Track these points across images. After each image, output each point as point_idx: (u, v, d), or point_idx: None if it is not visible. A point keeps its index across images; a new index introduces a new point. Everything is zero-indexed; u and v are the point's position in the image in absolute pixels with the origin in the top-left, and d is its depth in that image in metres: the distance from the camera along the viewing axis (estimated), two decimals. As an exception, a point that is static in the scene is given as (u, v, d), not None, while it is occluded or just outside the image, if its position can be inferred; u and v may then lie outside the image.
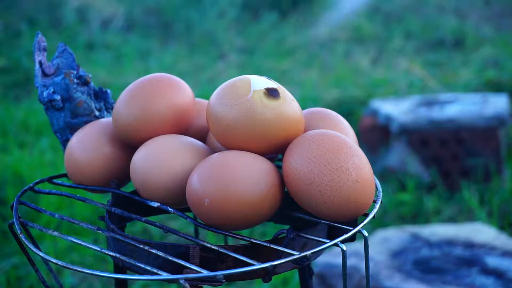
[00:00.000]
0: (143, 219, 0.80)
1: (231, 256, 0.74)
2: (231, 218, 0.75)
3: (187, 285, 0.69)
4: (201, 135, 0.90)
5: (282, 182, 0.77)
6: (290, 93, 0.81)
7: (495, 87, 3.24)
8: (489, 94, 2.79)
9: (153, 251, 0.74)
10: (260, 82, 0.80)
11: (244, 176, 0.75)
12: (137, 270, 0.77)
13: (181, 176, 0.79)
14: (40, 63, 0.93)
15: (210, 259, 0.75)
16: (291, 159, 0.76)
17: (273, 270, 0.73)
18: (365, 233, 0.76)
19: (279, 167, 0.87)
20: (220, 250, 0.74)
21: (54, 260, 0.73)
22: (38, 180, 0.90)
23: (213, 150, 0.83)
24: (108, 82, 3.45)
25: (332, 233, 0.82)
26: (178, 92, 0.86)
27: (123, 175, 0.88)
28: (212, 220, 0.76)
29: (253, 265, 0.71)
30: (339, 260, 1.72)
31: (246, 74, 0.81)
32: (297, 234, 0.76)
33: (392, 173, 2.53)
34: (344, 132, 0.85)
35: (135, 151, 0.84)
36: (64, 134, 0.92)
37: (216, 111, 0.79)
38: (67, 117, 0.91)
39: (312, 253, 0.72)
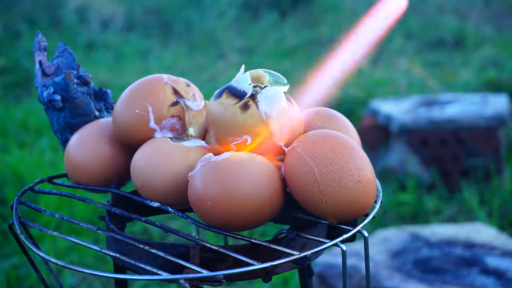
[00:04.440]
0: (143, 219, 0.80)
1: (231, 256, 0.74)
2: (233, 220, 0.75)
3: (187, 285, 0.68)
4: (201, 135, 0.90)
5: (284, 182, 0.77)
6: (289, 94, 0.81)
7: (495, 87, 3.24)
8: (489, 94, 2.79)
9: (153, 251, 0.74)
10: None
11: (248, 178, 0.75)
12: (137, 270, 0.77)
13: (181, 176, 0.79)
14: (40, 63, 0.93)
15: (210, 259, 0.75)
16: (292, 159, 0.76)
17: (273, 270, 0.73)
18: (365, 233, 0.76)
19: (280, 167, 0.87)
20: (220, 250, 0.74)
21: (54, 260, 0.73)
22: (38, 180, 0.90)
23: (213, 150, 0.83)
24: (108, 82, 3.45)
25: (332, 233, 0.82)
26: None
27: (123, 175, 0.88)
28: (214, 221, 0.75)
29: (253, 265, 0.71)
30: (339, 260, 1.72)
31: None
32: (297, 234, 0.76)
33: (392, 173, 2.53)
34: (347, 133, 0.85)
35: (135, 151, 0.84)
36: (64, 134, 0.92)
37: (216, 111, 0.79)
38: (67, 117, 0.91)
39: (312, 253, 0.72)
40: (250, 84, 0.79)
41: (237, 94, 0.78)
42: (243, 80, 0.79)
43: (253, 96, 0.78)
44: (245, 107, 0.78)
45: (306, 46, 4.40)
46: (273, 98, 0.78)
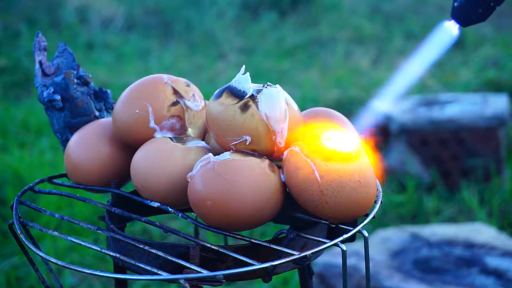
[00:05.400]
0: (143, 219, 0.80)
1: (231, 256, 0.74)
2: (233, 220, 0.75)
3: (187, 285, 0.68)
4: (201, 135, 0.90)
5: (284, 183, 0.77)
6: (288, 95, 0.81)
7: (495, 87, 3.24)
8: (489, 94, 2.79)
9: (153, 251, 0.74)
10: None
11: (247, 179, 0.75)
12: (137, 270, 0.77)
13: (181, 176, 0.79)
14: (40, 63, 0.93)
15: (210, 259, 0.75)
16: (292, 159, 0.76)
17: (273, 270, 0.73)
18: (365, 233, 0.76)
19: (280, 167, 0.87)
20: (220, 250, 0.74)
21: (54, 260, 0.73)
22: (38, 180, 0.90)
23: (213, 150, 0.83)
24: (108, 82, 3.45)
25: (332, 233, 0.82)
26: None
27: (123, 175, 0.88)
28: (214, 221, 0.76)
29: (253, 265, 0.71)
30: (339, 260, 1.71)
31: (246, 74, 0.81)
32: (297, 234, 0.76)
33: (392, 173, 2.53)
34: (348, 133, 0.85)
35: (135, 151, 0.84)
36: (64, 134, 0.92)
37: (216, 111, 0.79)
38: (67, 117, 0.91)
39: (312, 253, 0.72)
40: (250, 85, 0.79)
41: (237, 94, 0.78)
42: (243, 80, 0.79)
43: (253, 97, 0.78)
44: (245, 107, 0.77)
45: (306, 46, 4.40)
46: (273, 99, 0.78)
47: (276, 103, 0.78)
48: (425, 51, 0.93)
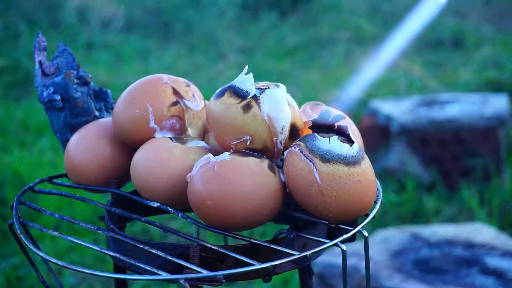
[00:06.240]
0: (143, 219, 0.80)
1: (231, 256, 0.74)
2: (233, 220, 0.75)
3: (187, 285, 0.68)
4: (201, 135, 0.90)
5: (283, 183, 0.77)
6: (289, 95, 0.81)
7: (495, 87, 3.24)
8: (489, 94, 2.79)
9: (153, 251, 0.74)
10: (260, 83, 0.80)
11: (247, 179, 0.74)
12: (137, 270, 0.77)
13: (181, 176, 0.79)
14: (40, 63, 0.93)
15: (210, 259, 0.75)
16: (292, 159, 0.76)
17: (273, 270, 0.72)
18: (365, 233, 0.76)
19: (280, 167, 0.87)
20: (220, 250, 0.74)
21: (54, 260, 0.73)
22: (38, 180, 0.90)
23: (213, 150, 0.83)
24: (108, 82, 3.45)
25: (332, 233, 0.82)
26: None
27: (123, 175, 0.88)
28: (214, 221, 0.75)
29: (253, 265, 0.71)
30: (339, 260, 1.72)
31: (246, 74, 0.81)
32: (297, 234, 0.76)
33: (392, 173, 2.53)
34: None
35: (135, 151, 0.83)
36: (64, 134, 0.92)
37: (217, 110, 0.79)
38: (67, 117, 0.91)
39: (312, 253, 0.72)
40: (252, 85, 0.79)
41: (240, 94, 0.78)
42: (246, 80, 0.79)
43: (255, 97, 0.78)
44: (247, 107, 0.77)
45: (306, 46, 4.40)
46: (275, 100, 0.78)
47: (279, 104, 0.78)
48: (414, 17, 0.91)
